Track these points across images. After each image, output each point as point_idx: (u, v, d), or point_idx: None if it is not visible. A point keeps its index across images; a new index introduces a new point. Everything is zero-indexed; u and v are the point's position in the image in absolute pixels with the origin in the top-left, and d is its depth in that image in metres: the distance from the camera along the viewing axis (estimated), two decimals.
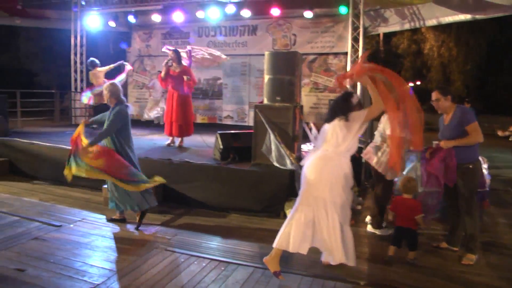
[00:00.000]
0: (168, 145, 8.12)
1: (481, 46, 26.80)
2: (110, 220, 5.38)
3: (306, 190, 3.81)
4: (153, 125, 11.57)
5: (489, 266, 4.32)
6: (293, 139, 6.11)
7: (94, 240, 4.73)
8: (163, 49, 8.50)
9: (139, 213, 5.22)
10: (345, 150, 3.77)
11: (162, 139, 8.81)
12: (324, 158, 3.79)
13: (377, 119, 4.87)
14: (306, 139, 7.51)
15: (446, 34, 26.20)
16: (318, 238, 3.73)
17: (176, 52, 7.89)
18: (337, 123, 3.79)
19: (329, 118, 3.90)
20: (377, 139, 5.24)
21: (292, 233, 3.73)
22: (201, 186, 6.24)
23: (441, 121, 4.68)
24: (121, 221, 5.35)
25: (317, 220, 3.71)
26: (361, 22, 10.02)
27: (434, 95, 4.56)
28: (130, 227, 5.21)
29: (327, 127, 3.89)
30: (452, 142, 4.34)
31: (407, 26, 11.18)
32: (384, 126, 5.11)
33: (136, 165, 5.15)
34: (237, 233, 5.20)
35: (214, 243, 4.82)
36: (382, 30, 12.09)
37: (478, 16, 10.27)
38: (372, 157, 5.15)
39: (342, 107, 3.84)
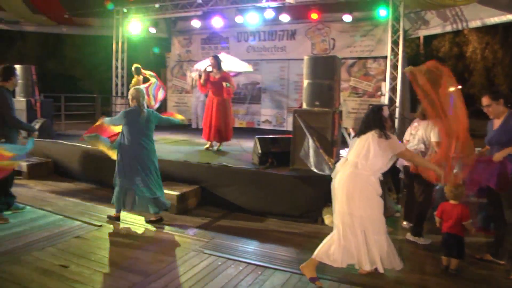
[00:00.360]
0: (207, 149, 8.19)
1: None
2: (148, 221, 5.48)
3: (339, 207, 3.86)
4: (191, 129, 11.73)
5: None
6: (332, 144, 6.05)
7: (133, 241, 4.84)
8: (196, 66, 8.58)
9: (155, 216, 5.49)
10: (377, 169, 3.82)
11: (201, 143, 8.88)
12: (354, 176, 3.79)
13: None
14: (345, 144, 7.51)
15: (491, 36, 25.36)
16: (351, 252, 3.80)
17: (216, 58, 7.95)
18: (371, 137, 3.80)
19: (363, 131, 3.92)
20: (419, 145, 5.12)
21: (332, 248, 3.81)
22: (239, 190, 6.27)
23: (490, 126, 4.51)
24: (159, 221, 5.47)
25: (351, 236, 3.77)
26: (401, 25, 9.83)
27: (485, 101, 4.40)
28: (168, 229, 5.29)
29: (359, 138, 3.91)
30: (505, 152, 4.16)
31: (449, 28, 10.86)
32: (426, 132, 5.00)
33: (133, 160, 5.38)
34: (274, 237, 5.18)
35: (251, 247, 4.83)
36: (423, 33, 11.80)
37: None
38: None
39: (375, 120, 3.88)
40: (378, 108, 3.97)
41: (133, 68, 10.72)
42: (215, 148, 8.18)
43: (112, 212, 5.56)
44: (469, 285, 3.95)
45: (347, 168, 3.84)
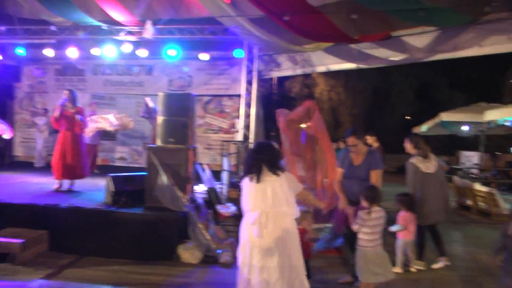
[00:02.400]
0: (57, 190, 7.57)
1: (366, 91, 29.25)
2: None
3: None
4: (38, 168, 10.82)
5: None
6: (186, 181, 6.07)
7: None
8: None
9: None
10: (294, 212, 3.68)
11: (50, 183, 8.06)
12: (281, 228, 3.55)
13: None
14: (199, 180, 7.57)
15: (335, 80, 28.22)
16: None
17: (72, 92, 7.66)
18: (274, 180, 3.60)
19: (257, 171, 3.62)
20: None
21: None
22: (91, 232, 5.89)
23: (345, 157, 5.01)
24: None
25: None
26: (255, 66, 10.41)
27: (351, 141, 4.84)
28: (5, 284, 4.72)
29: (257, 185, 3.60)
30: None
31: (299, 71, 11.88)
32: None
33: None
34: (129, 280, 4.95)
35: None
36: (276, 74, 12.70)
37: (361, 66, 11.24)
38: None
39: (273, 157, 3.72)
40: (270, 143, 3.92)
41: None
42: (66, 187, 7.63)
43: None
44: None
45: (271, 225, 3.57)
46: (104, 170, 9.56)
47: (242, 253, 3.62)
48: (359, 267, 4.29)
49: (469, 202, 9.89)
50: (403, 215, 5.34)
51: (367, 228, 4.24)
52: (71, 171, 7.50)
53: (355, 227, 4.32)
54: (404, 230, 5.31)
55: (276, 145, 3.97)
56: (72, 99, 7.59)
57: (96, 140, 10.31)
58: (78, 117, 7.49)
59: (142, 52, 10.58)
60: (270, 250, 3.48)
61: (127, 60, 11.64)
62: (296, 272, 3.56)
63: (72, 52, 10.62)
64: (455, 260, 6.06)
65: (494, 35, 9.02)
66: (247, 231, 3.60)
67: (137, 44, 10.51)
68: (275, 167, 3.63)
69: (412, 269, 5.41)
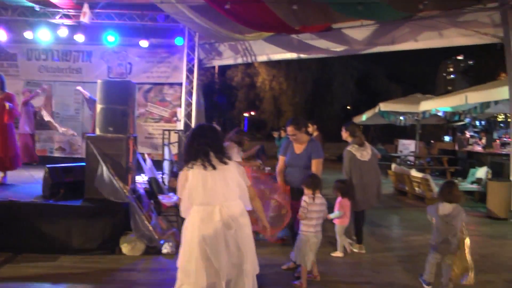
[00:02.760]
0: None
1: (307, 81, 29.81)
2: None
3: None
4: None
5: None
6: (127, 171, 5.93)
7: None
8: None
9: None
10: (248, 205, 3.30)
11: None
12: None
13: None
14: (140, 170, 7.43)
15: (277, 70, 28.54)
16: None
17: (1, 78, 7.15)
18: (224, 169, 3.15)
19: (205, 157, 3.12)
20: None
21: None
22: (28, 227, 5.54)
23: (287, 145, 5.19)
24: None
25: None
26: (196, 54, 10.32)
27: (290, 130, 4.99)
28: None
29: (207, 173, 3.10)
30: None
31: (240, 60, 11.90)
32: None
33: None
34: (70, 276, 4.75)
35: None
36: (217, 63, 12.67)
37: (302, 55, 11.43)
38: None
39: (218, 142, 3.28)
40: (213, 127, 3.43)
41: None
42: None
43: None
44: None
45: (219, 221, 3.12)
46: (42, 161, 9.15)
47: (187, 254, 3.11)
48: (301, 253, 4.40)
49: (405, 188, 10.36)
50: (340, 201, 5.51)
51: (312, 213, 4.39)
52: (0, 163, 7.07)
53: (300, 214, 4.41)
54: (343, 216, 5.48)
55: (218, 128, 3.75)
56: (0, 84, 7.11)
57: (30, 129, 9.73)
58: (7, 104, 7.03)
59: (79, 37, 10.17)
60: (219, 248, 3.05)
61: (64, 46, 11.18)
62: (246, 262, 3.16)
63: (0, 35, 9.98)
64: (393, 242, 6.51)
65: (427, 31, 9.53)
66: (195, 228, 3.09)
67: (74, 29, 10.09)
68: (222, 154, 3.18)
69: (354, 250, 5.67)
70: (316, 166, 4.94)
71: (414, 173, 10.03)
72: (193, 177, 3.10)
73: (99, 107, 6.11)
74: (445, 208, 4.17)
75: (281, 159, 5.26)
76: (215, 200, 3.09)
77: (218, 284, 3.01)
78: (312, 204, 4.43)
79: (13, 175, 7.46)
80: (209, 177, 3.08)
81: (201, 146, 3.13)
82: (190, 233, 3.10)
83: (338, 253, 5.48)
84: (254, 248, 3.25)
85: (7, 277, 4.71)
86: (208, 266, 3.01)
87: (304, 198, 4.46)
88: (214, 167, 3.09)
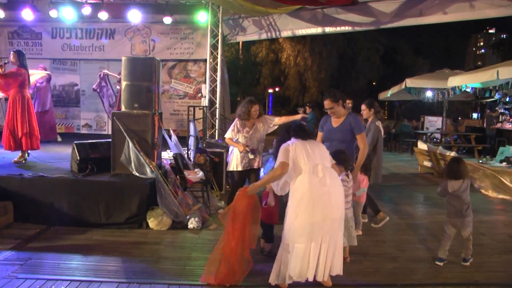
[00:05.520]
0: (17, 161, 7.01)
1: (332, 56, 29.32)
2: None
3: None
4: None
5: None
6: (153, 147, 5.98)
7: None
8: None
9: None
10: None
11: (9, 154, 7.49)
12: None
13: None
14: (166, 146, 7.48)
15: (302, 45, 28.11)
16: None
17: (18, 53, 6.90)
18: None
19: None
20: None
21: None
22: (58, 201, 5.69)
23: (326, 122, 5.17)
24: None
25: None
26: (220, 30, 10.23)
27: (328, 104, 4.95)
28: None
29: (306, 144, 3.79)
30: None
31: (264, 36, 11.74)
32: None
33: None
34: (99, 248, 4.85)
35: (74, 262, 4.41)
36: (241, 39, 12.53)
37: (327, 30, 11.18)
38: None
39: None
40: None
41: None
42: (25, 157, 7.15)
43: None
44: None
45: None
46: (69, 137, 9.30)
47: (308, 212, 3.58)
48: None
49: (432, 165, 10.20)
50: (363, 178, 5.42)
51: (349, 189, 4.46)
52: (30, 140, 6.97)
53: None
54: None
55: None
56: (17, 61, 6.81)
57: (46, 105, 9.68)
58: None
59: (103, 15, 10.19)
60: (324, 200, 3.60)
61: (88, 24, 11.24)
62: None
63: (27, 14, 10.07)
64: (418, 219, 6.45)
65: (457, 2, 9.17)
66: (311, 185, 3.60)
67: (97, 7, 10.12)
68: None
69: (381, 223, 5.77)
70: (362, 141, 4.94)
71: (440, 150, 9.84)
72: (296, 147, 3.69)
73: (124, 83, 6.14)
74: (455, 184, 4.32)
75: (319, 135, 5.25)
76: (316, 160, 3.68)
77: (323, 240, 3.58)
78: (349, 180, 4.48)
79: (41, 152, 7.57)
80: (308, 145, 3.74)
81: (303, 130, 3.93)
82: (300, 193, 3.62)
83: (359, 232, 5.41)
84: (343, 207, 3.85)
85: (40, 248, 4.86)
86: (317, 221, 3.56)
87: (343, 177, 4.37)
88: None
